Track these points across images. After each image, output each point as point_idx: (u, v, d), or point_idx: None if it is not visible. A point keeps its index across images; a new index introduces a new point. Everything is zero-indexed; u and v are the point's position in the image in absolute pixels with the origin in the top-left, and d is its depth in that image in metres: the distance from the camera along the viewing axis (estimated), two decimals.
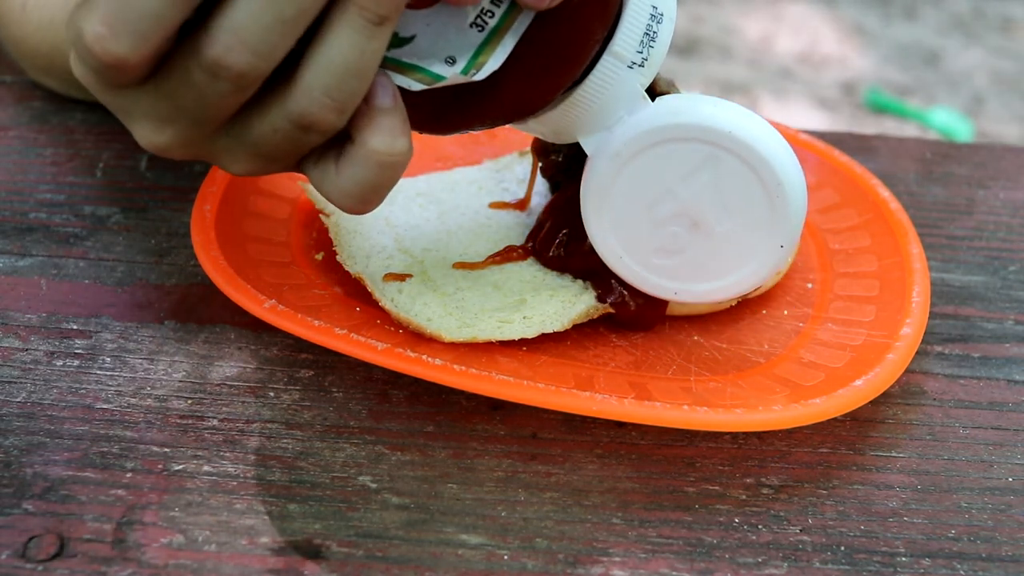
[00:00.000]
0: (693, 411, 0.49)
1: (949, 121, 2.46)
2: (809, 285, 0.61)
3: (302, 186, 0.62)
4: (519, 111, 0.48)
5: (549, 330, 0.53)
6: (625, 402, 0.49)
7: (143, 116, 0.43)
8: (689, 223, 0.51)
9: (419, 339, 0.53)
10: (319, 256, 0.59)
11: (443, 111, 0.47)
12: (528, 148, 0.67)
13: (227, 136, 0.44)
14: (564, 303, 0.55)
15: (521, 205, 0.64)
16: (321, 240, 0.60)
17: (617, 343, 0.56)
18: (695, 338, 0.57)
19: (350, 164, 0.43)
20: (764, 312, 0.59)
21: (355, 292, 0.56)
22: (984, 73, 2.71)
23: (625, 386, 0.52)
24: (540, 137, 0.55)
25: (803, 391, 0.52)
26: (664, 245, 0.52)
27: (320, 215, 0.60)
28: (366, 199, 0.45)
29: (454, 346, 0.52)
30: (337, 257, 0.57)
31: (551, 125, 0.51)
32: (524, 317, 0.54)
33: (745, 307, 0.59)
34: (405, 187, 0.64)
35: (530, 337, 0.53)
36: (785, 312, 0.59)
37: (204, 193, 0.59)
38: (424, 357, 0.50)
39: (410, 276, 0.56)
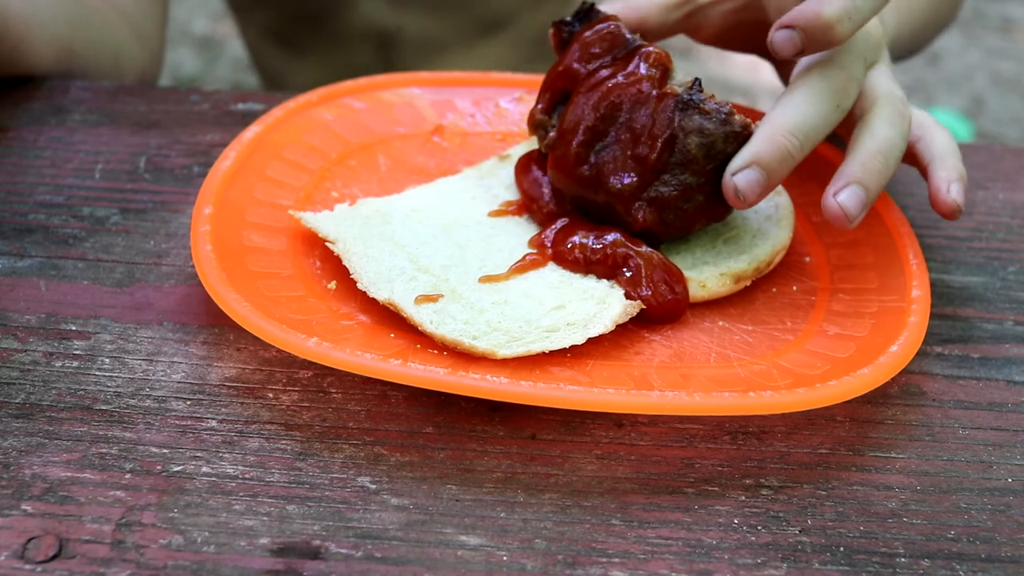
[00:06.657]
0: (759, 397, 0.50)
1: (949, 122, 2.46)
2: (807, 259, 0.63)
3: (296, 216, 0.60)
4: None
5: (595, 334, 0.53)
6: (696, 396, 0.50)
7: None
8: None
9: (469, 359, 0.52)
10: (331, 285, 0.58)
11: None
12: (507, 152, 0.67)
13: None
14: (599, 304, 0.55)
15: (519, 210, 0.64)
16: (328, 268, 0.59)
17: (650, 337, 0.56)
18: (720, 324, 0.58)
19: None
20: (774, 290, 0.61)
21: (382, 319, 0.55)
22: (984, 73, 2.71)
23: (679, 379, 0.52)
24: None
25: (841, 364, 0.53)
26: None
27: (325, 243, 0.59)
28: None
29: (506, 362, 0.52)
30: (359, 285, 0.56)
31: None
32: (568, 324, 0.54)
33: (756, 287, 0.60)
34: (398, 205, 0.63)
35: (580, 343, 0.53)
36: (795, 288, 0.61)
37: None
38: (488, 377, 0.50)
39: (441, 296, 0.55)
